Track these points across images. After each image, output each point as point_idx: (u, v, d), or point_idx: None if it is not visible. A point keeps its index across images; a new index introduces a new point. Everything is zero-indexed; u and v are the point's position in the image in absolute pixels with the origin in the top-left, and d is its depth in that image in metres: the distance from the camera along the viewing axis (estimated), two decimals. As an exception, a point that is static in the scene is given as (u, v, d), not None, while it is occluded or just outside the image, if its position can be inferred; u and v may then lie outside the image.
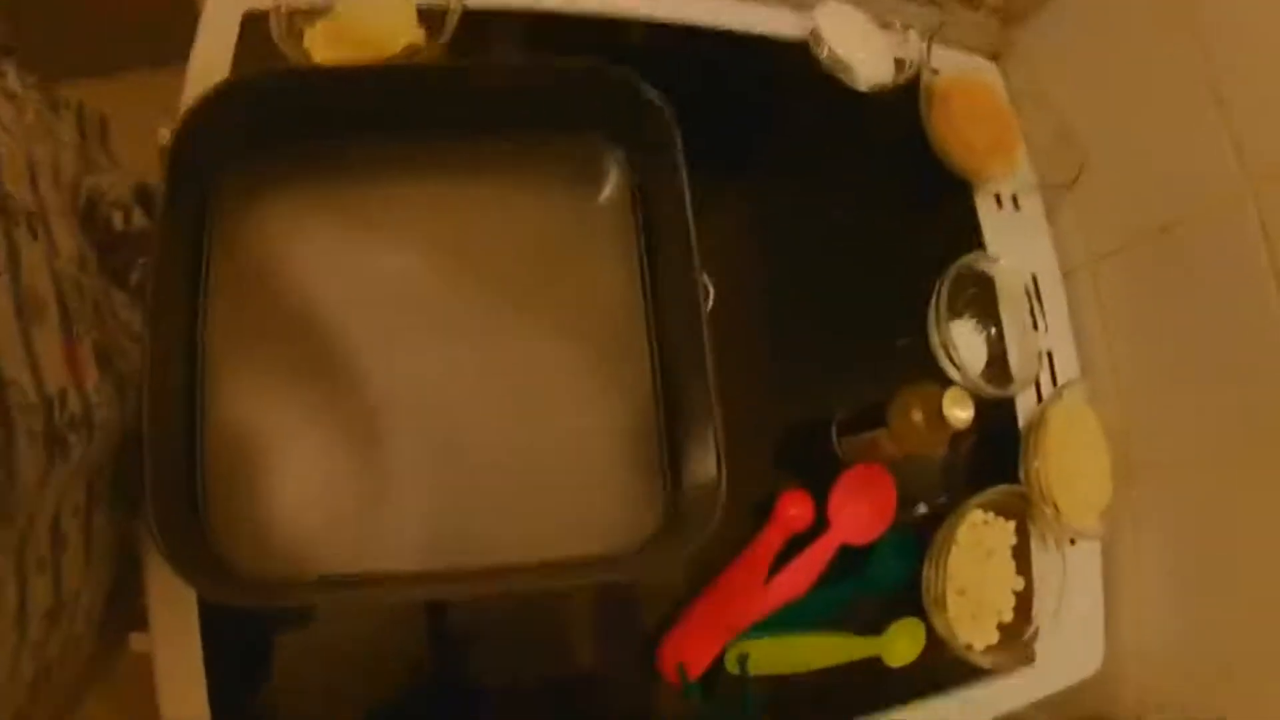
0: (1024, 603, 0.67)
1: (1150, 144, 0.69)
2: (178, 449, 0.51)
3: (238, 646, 0.53)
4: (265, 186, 0.58)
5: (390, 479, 0.55)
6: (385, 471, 0.55)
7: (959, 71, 0.74)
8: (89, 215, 0.52)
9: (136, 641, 0.57)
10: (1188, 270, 0.66)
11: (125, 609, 0.53)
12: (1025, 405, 0.72)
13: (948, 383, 0.65)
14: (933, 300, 0.67)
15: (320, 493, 0.54)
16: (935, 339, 0.67)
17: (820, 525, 0.62)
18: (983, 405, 0.59)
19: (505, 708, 0.57)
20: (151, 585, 0.53)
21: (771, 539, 0.60)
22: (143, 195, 0.58)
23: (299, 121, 0.57)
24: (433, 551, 0.54)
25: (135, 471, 0.45)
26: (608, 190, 0.63)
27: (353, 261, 0.58)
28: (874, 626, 0.63)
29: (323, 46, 0.61)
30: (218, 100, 0.52)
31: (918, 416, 0.57)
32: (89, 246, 0.50)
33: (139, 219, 0.56)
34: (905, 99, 0.72)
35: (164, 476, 0.47)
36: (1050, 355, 0.73)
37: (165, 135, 0.50)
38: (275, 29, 0.60)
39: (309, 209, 0.58)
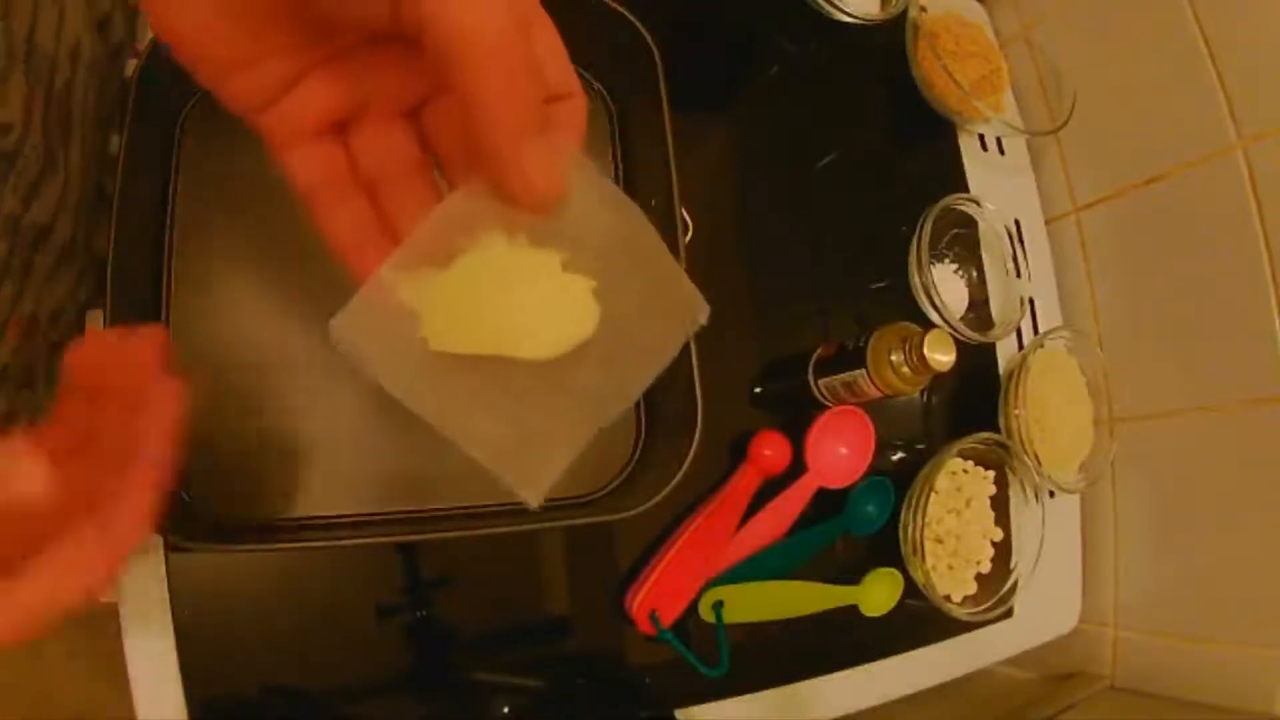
0: (1002, 555, 0.66)
1: (1139, 95, 0.68)
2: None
3: (206, 605, 0.50)
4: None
5: (355, 416, 0.52)
6: (349, 409, 0.52)
7: (947, 10, 0.72)
8: None
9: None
10: (1174, 222, 0.65)
11: None
12: (1006, 352, 0.71)
13: (928, 324, 0.64)
14: (914, 240, 0.66)
15: (282, 432, 0.52)
16: (916, 280, 0.66)
17: (797, 468, 0.60)
18: (963, 350, 0.58)
19: (475, 654, 0.55)
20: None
21: (747, 481, 0.58)
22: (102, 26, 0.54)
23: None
24: (398, 495, 0.52)
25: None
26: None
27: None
28: (851, 575, 0.61)
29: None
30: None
31: (897, 357, 0.56)
32: None
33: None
34: (892, 34, 0.70)
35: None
36: (1032, 302, 0.72)
37: (132, 65, 0.48)
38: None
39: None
